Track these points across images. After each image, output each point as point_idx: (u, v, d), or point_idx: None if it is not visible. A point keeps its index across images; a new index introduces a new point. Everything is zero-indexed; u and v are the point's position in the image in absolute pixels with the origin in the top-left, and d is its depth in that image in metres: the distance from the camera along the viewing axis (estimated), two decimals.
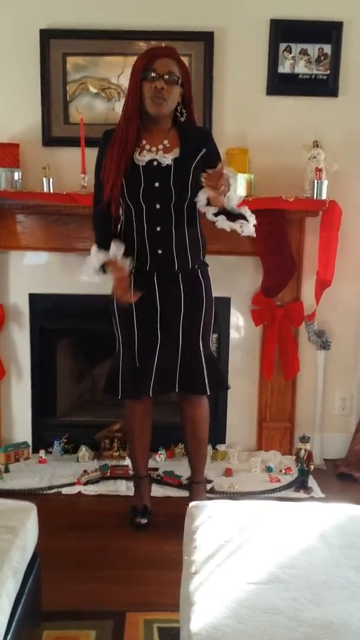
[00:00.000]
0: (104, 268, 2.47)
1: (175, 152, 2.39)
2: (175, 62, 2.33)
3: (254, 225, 2.39)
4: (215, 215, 2.37)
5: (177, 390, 2.56)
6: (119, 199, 2.41)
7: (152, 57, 2.31)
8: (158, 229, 2.39)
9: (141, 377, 2.50)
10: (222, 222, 2.36)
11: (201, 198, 2.38)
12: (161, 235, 2.40)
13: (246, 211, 2.38)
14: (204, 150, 2.40)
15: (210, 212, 2.37)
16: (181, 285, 2.46)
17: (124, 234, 2.47)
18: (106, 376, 2.66)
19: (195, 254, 2.48)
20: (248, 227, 2.38)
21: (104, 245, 2.44)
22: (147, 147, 2.39)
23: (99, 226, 2.51)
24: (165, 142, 2.40)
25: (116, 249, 2.41)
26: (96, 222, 2.52)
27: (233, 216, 2.37)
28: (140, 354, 2.50)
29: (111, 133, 2.42)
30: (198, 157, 2.39)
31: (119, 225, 2.49)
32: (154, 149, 2.39)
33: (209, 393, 2.57)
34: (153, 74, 2.29)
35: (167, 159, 2.37)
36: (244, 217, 2.38)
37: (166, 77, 2.29)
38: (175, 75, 2.31)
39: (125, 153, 2.35)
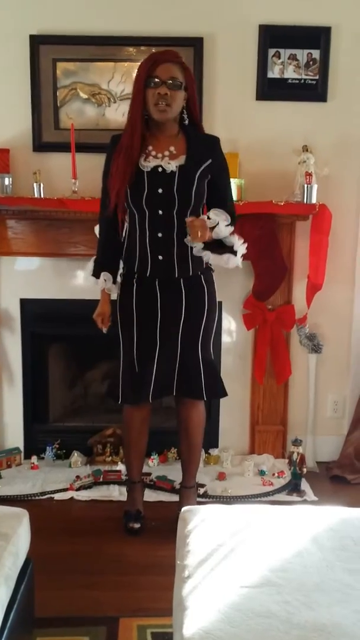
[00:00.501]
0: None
1: (181, 159, 2.39)
2: (178, 67, 2.33)
3: (242, 255, 2.45)
4: (204, 249, 2.42)
5: (174, 394, 2.56)
6: (124, 206, 2.42)
7: (155, 63, 2.30)
8: (160, 235, 2.40)
9: (140, 382, 2.50)
10: (208, 257, 2.43)
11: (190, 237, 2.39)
12: (163, 241, 2.40)
13: (236, 242, 2.42)
14: (210, 160, 2.41)
15: (198, 246, 2.40)
16: (183, 291, 2.47)
17: (128, 238, 2.48)
18: (110, 380, 2.66)
19: (198, 260, 2.48)
20: (234, 260, 2.43)
21: (102, 261, 2.51)
22: (153, 153, 2.39)
23: (103, 235, 2.53)
24: (172, 148, 2.40)
25: (105, 278, 2.49)
26: (101, 229, 2.54)
27: (221, 247, 2.42)
28: (140, 359, 2.50)
29: (118, 138, 2.42)
30: (204, 166, 2.39)
31: (124, 230, 2.50)
32: (160, 155, 2.39)
33: (205, 399, 2.58)
34: (156, 80, 2.29)
35: (171, 166, 2.37)
36: (232, 249, 2.42)
37: (169, 82, 2.29)
38: (179, 80, 2.31)
39: (131, 161, 2.35)
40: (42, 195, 3.01)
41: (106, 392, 2.69)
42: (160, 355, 2.49)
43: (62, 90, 3.12)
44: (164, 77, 2.29)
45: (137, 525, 2.65)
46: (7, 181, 3.03)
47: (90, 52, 3.08)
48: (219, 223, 2.35)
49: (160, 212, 2.38)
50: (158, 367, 2.49)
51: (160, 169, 2.37)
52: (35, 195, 3.01)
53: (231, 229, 2.40)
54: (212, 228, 2.37)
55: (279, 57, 3.11)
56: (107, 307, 2.56)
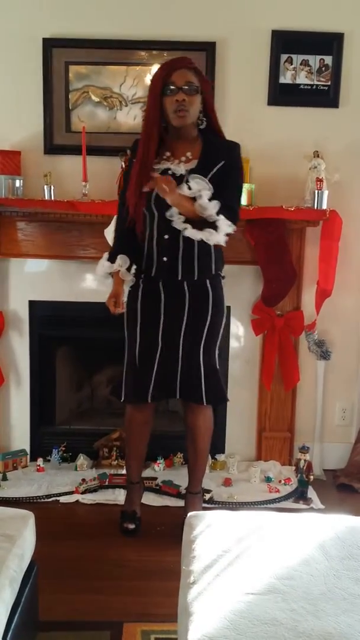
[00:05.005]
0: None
1: (193, 164, 2.39)
2: (192, 72, 2.34)
3: (228, 234, 2.33)
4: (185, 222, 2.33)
5: (177, 397, 2.56)
6: (135, 209, 2.41)
7: (170, 70, 2.31)
8: (166, 236, 2.40)
9: (140, 382, 2.51)
10: (189, 232, 2.33)
11: (172, 210, 2.34)
12: (168, 243, 2.40)
13: (220, 220, 2.29)
14: (223, 162, 2.39)
15: (179, 220, 2.33)
16: (187, 294, 2.46)
17: (140, 238, 2.48)
18: (115, 379, 2.67)
19: (205, 265, 2.46)
20: (215, 237, 2.31)
21: (117, 249, 2.50)
22: (171, 158, 2.41)
23: (119, 234, 2.54)
24: (189, 154, 2.40)
25: (121, 262, 2.47)
26: (117, 229, 2.56)
27: (206, 224, 2.31)
28: (141, 359, 2.51)
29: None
30: (214, 170, 2.37)
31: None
32: (176, 161, 2.40)
33: (205, 404, 2.57)
34: (172, 87, 2.30)
35: (180, 169, 2.38)
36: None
37: (186, 87, 2.30)
38: (195, 84, 2.32)
39: (146, 169, 2.35)
40: (52, 198, 3.02)
41: (110, 390, 2.69)
42: (161, 357, 2.49)
43: (74, 93, 3.13)
44: (179, 83, 2.30)
45: (131, 526, 2.65)
46: (17, 183, 3.03)
47: (103, 55, 3.09)
48: (202, 195, 2.27)
49: (167, 214, 2.37)
50: (159, 368, 2.49)
51: (170, 172, 2.38)
52: (46, 198, 3.02)
53: (217, 205, 2.28)
54: (195, 200, 2.27)
55: (291, 63, 3.11)
56: (121, 289, 2.50)
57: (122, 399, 2.59)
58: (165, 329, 2.48)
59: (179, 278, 2.44)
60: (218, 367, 2.61)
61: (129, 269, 2.49)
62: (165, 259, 2.42)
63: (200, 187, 2.29)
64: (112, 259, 2.49)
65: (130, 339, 2.55)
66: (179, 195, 2.28)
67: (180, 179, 2.35)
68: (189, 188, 2.30)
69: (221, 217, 2.30)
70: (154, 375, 2.49)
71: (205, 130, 2.44)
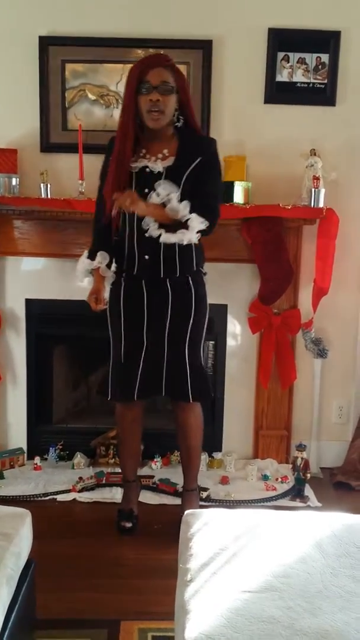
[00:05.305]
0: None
1: (170, 161, 2.39)
2: (168, 70, 2.32)
3: (200, 231, 2.33)
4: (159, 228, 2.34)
5: (163, 395, 2.57)
6: (118, 215, 2.42)
7: (145, 69, 2.30)
8: (147, 234, 2.39)
9: (126, 381, 2.52)
10: (163, 237, 2.34)
11: (146, 219, 2.35)
12: (149, 241, 2.39)
13: (192, 219, 2.30)
14: (199, 159, 2.38)
15: (154, 228, 2.34)
16: (169, 292, 2.47)
17: (120, 237, 2.48)
18: (101, 377, 2.67)
19: (187, 262, 2.47)
20: (188, 236, 2.32)
21: (96, 251, 2.49)
22: (147, 156, 2.40)
23: (97, 233, 2.54)
24: (165, 151, 2.40)
25: (101, 259, 2.47)
26: (95, 227, 2.55)
27: (180, 226, 2.33)
28: (126, 357, 2.52)
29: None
30: (191, 167, 2.38)
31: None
32: (153, 158, 2.39)
33: (191, 401, 2.57)
34: (147, 86, 2.28)
35: (158, 167, 2.37)
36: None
37: (161, 87, 2.29)
38: (170, 84, 2.31)
39: (122, 168, 2.35)
40: (49, 196, 3.02)
41: (97, 389, 2.69)
42: (147, 355, 2.50)
43: (71, 92, 3.12)
44: (155, 82, 2.28)
45: (128, 524, 2.66)
46: (14, 181, 3.03)
47: (99, 53, 3.09)
48: (172, 198, 2.28)
49: (143, 224, 2.37)
50: (144, 366, 2.50)
51: (147, 170, 2.38)
52: (42, 196, 3.02)
53: (187, 204, 2.29)
54: (165, 205, 2.28)
55: (288, 61, 3.11)
56: (101, 285, 2.50)
57: (109, 397, 2.60)
58: (150, 327, 2.49)
59: (161, 276, 2.44)
60: (203, 363, 2.61)
61: (109, 266, 2.49)
62: (146, 257, 2.42)
63: (167, 192, 2.29)
64: (91, 256, 2.49)
65: (115, 338, 2.55)
66: (144, 205, 2.28)
67: (158, 177, 2.35)
68: (157, 195, 2.30)
69: (193, 215, 2.31)
70: (139, 373, 2.50)
71: (182, 127, 2.43)
